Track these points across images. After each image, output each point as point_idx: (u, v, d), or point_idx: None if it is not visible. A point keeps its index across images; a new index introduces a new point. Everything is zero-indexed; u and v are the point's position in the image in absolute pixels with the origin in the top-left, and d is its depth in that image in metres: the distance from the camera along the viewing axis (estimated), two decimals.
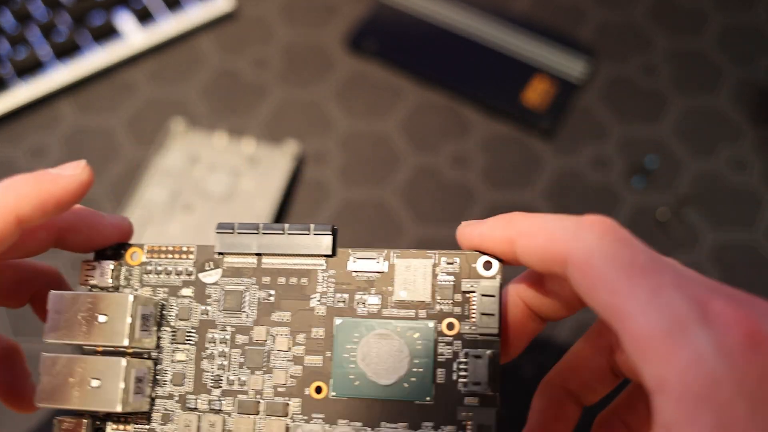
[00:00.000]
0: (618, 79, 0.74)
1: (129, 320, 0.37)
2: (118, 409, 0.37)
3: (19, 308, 0.42)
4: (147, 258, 0.41)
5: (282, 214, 0.65)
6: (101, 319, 0.37)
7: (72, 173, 0.37)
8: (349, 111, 0.73)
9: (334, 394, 0.39)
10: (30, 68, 0.73)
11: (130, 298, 0.38)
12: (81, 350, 0.40)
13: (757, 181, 0.68)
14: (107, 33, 0.75)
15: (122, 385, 0.37)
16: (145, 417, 0.40)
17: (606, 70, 0.75)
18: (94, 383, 0.37)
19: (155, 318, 0.40)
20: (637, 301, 0.27)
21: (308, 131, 0.72)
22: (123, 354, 0.39)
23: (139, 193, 0.67)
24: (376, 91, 0.74)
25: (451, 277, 0.38)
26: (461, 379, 0.38)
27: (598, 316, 0.31)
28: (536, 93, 0.72)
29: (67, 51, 0.74)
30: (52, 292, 0.39)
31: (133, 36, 0.75)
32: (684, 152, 0.70)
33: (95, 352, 0.40)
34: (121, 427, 0.40)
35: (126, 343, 0.37)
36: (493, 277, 0.38)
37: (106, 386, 0.37)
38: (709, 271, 0.64)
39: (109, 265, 0.40)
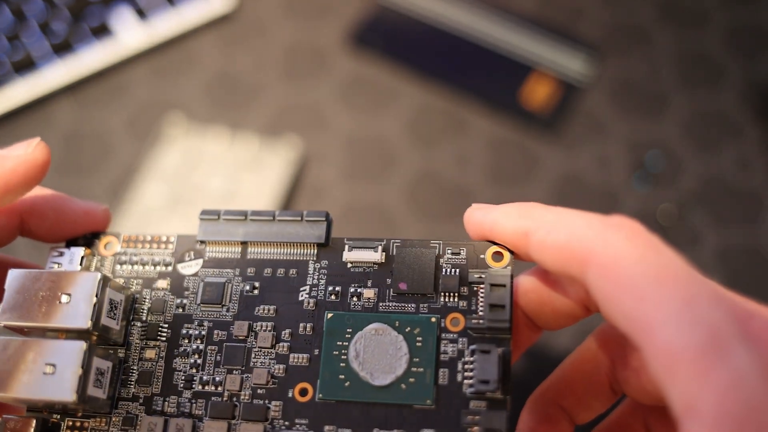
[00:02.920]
0: (621, 78, 0.72)
1: (94, 300, 0.33)
2: (71, 398, 0.32)
3: None
4: (122, 248, 0.38)
5: None
6: (64, 299, 0.33)
7: (21, 152, 0.33)
8: (350, 111, 0.72)
9: (320, 396, 0.34)
10: (27, 67, 0.71)
11: (98, 275, 0.34)
12: (44, 337, 0.35)
13: (761, 181, 0.67)
14: (106, 32, 0.74)
15: (79, 371, 0.32)
16: (104, 420, 0.35)
17: (609, 70, 0.73)
18: (48, 369, 0.32)
19: (125, 309, 0.36)
20: (668, 311, 0.25)
21: (309, 131, 0.70)
22: (85, 336, 0.34)
23: (136, 193, 0.66)
24: (377, 91, 0.73)
25: (457, 269, 0.35)
26: (467, 381, 0.33)
27: (616, 326, 0.27)
28: (538, 92, 0.71)
29: (64, 50, 0.72)
30: (12, 270, 0.34)
31: (132, 35, 0.74)
32: (687, 152, 0.68)
33: (56, 337, 0.35)
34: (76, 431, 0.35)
35: (88, 324, 0.33)
36: (504, 269, 0.34)
37: (61, 372, 0.32)
38: (712, 272, 0.62)
39: (79, 251, 0.36)
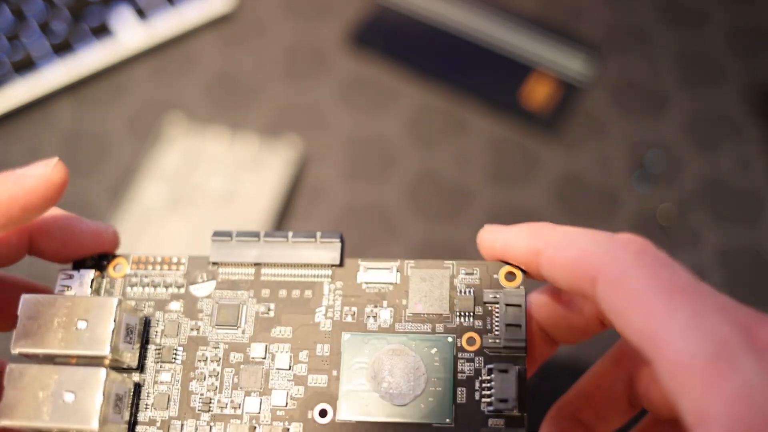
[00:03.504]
0: (621, 78, 0.72)
1: (112, 326, 0.33)
2: (94, 426, 0.32)
3: (9, 331, 0.36)
4: (132, 270, 0.37)
5: (282, 215, 0.65)
6: (80, 325, 0.33)
7: (41, 172, 0.33)
8: (350, 111, 0.72)
9: (341, 417, 0.34)
10: (27, 67, 0.71)
11: (116, 300, 0.33)
12: (53, 363, 0.34)
13: (762, 181, 0.67)
14: (106, 32, 0.73)
15: (100, 398, 0.32)
16: None
17: (609, 69, 0.73)
18: (68, 397, 0.32)
19: (139, 332, 0.36)
20: (677, 324, 0.25)
21: (309, 131, 0.70)
22: (103, 364, 0.34)
23: (136, 194, 0.66)
24: (377, 91, 0.72)
25: (471, 289, 0.35)
26: (484, 399, 0.34)
27: (628, 340, 0.28)
28: (538, 92, 0.70)
29: (64, 50, 0.72)
30: (25, 295, 0.34)
31: (132, 35, 0.73)
32: (688, 152, 0.68)
33: (69, 365, 0.34)
34: None
35: (107, 351, 0.33)
36: (517, 288, 0.35)
37: (82, 400, 0.32)
38: (712, 272, 0.62)
39: (89, 274, 0.36)
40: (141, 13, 0.74)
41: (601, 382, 0.36)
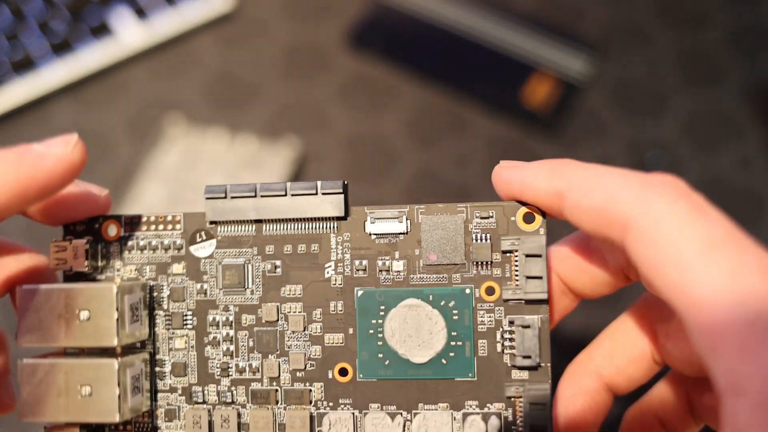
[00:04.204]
0: (621, 78, 0.72)
1: (116, 315, 0.32)
2: (116, 419, 0.31)
3: None
4: (126, 232, 0.35)
5: None
6: (83, 315, 0.32)
7: (61, 152, 0.30)
8: (349, 111, 0.71)
9: (361, 376, 0.33)
10: (26, 67, 0.70)
11: (114, 289, 0.32)
12: (62, 350, 0.34)
13: (762, 181, 0.66)
14: (105, 32, 0.72)
15: (117, 390, 0.31)
16: (147, 415, 0.34)
17: (610, 69, 0.72)
18: (85, 391, 0.32)
19: (144, 302, 0.34)
20: (714, 282, 0.23)
21: (308, 131, 0.69)
22: (113, 352, 0.33)
23: (136, 193, 0.65)
24: (376, 91, 0.72)
25: (488, 234, 0.33)
26: (507, 351, 0.33)
27: (659, 294, 0.26)
28: (539, 92, 0.70)
29: (64, 49, 0.71)
30: (20, 287, 0.32)
31: (132, 35, 0.73)
32: (688, 152, 0.67)
33: (79, 352, 0.34)
34: (120, 428, 0.34)
35: (115, 342, 0.32)
36: (536, 233, 0.33)
37: (99, 394, 0.31)
38: None
39: (83, 244, 0.34)
40: (141, 13, 0.73)
41: (623, 338, 0.34)
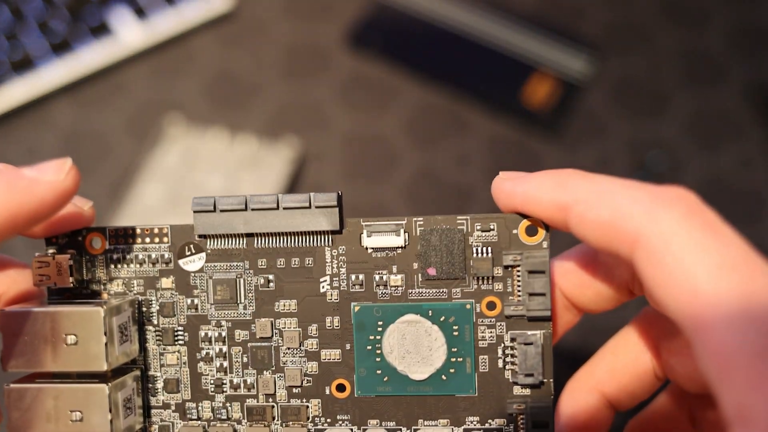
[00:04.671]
0: (622, 77, 0.71)
1: (104, 339, 0.30)
2: None
3: None
4: (111, 245, 0.34)
5: None
6: (70, 339, 0.30)
7: (53, 178, 0.29)
8: (349, 110, 0.70)
9: (359, 392, 0.33)
10: (26, 67, 0.69)
11: (102, 312, 0.30)
12: (50, 374, 0.32)
13: (763, 180, 0.65)
14: (105, 31, 0.72)
15: (109, 415, 0.31)
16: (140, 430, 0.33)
17: (610, 69, 0.71)
18: (75, 416, 0.31)
19: (133, 318, 0.33)
20: (725, 308, 0.22)
21: (308, 130, 0.69)
22: (103, 375, 0.32)
23: (136, 193, 0.64)
24: (376, 91, 0.71)
25: (489, 248, 0.32)
26: (508, 367, 0.32)
27: (666, 313, 0.25)
28: (539, 92, 0.69)
29: (63, 49, 0.71)
30: (3, 311, 0.31)
31: (131, 35, 0.72)
32: (689, 151, 0.66)
33: (67, 376, 0.32)
34: None
35: (105, 368, 0.30)
36: (539, 246, 0.31)
37: (90, 418, 0.31)
38: None
39: (67, 260, 0.32)
40: (140, 13, 0.72)
41: (625, 354, 0.33)
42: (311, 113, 0.70)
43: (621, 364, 0.33)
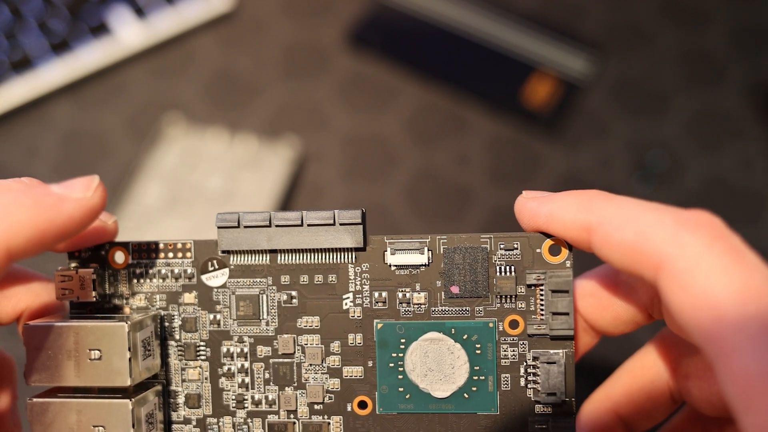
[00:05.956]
0: (622, 77, 0.71)
1: (128, 355, 0.30)
2: None
3: (5, 325, 0.34)
4: (134, 259, 0.34)
5: None
6: (93, 354, 0.30)
7: (81, 196, 0.29)
8: (349, 110, 0.70)
9: (381, 410, 0.33)
10: (25, 66, 0.69)
11: (126, 328, 0.30)
12: (72, 392, 0.32)
13: (763, 181, 0.65)
14: (104, 31, 0.71)
15: (131, 431, 0.31)
16: None
17: (611, 69, 0.71)
18: (98, 431, 0.31)
19: (156, 333, 0.33)
20: (749, 334, 0.22)
21: (308, 130, 0.69)
22: (126, 391, 0.32)
23: (136, 193, 0.64)
24: (376, 90, 0.71)
25: (512, 266, 0.32)
26: (531, 385, 0.32)
27: (689, 337, 0.25)
28: (539, 92, 0.69)
29: (63, 49, 0.70)
30: (27, 324, 0.31)
31: (131, 34, 0.72)
32: (689, 151, 0.66)
33: (88, 390, 0.32)
34: None
35: (129, 383, 0.30)
36: (563, 266, 0.31)
37: None
38: None
39: (90, 273, 0.32)
40: (140, 12, 0.72)
41: (641, 376, 0.33)
42: (311, 113, 0.70)
43: (637, 385, 0.33)
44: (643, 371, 0.33)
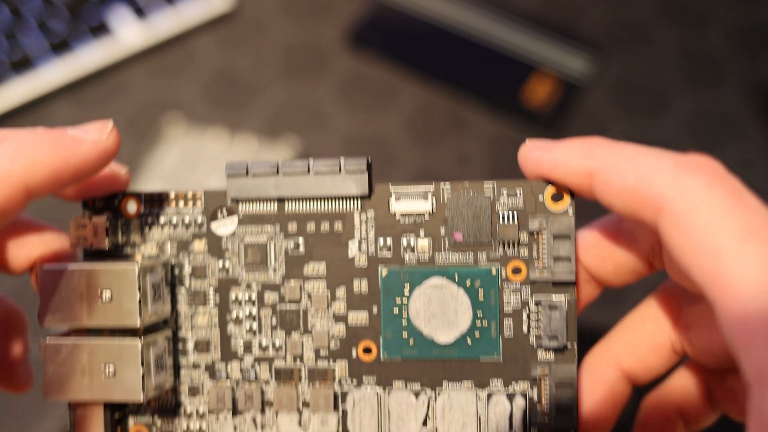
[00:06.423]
0: (622, 77, 0.72)
1: (138, 295, 0.31)
2: (141, 398, 0.31)
3: (19, 275, 0.35)
4: (146, 209, 0.35)
5: None
6: (105, 295, 0.32)
7: (96, 138, 0.30)
8: (349, 110, 0.71)
9: (386, 355, 0.33)
10: (25, 66, 0.70)
11: (136, 269, 0.31)
12: (85, 329, 0.33)
13: (764, 181, 0.65)
14: (104, 31, 0.72)
15: (141, 370, 0.32)
16: (170, 392, 0.35)
17: (610, 69, 0.72)
18: (109, 370, 0.32)
19: (166, 280, 0.34)
20: (750, 272, 0.23)
21: (308, 130, 0.69)
22: (136, 332, 0.33)
23: None
24: (376, 90, 0.72)
25: (515, 213, 0.32)
26: (533, 331, 0.32)
27: (690, 278, 0.25)
28: (539, 91, 0.70)
29: (63, 49, 0.71)
30: (41, 268, 0.32)
31: (131, 34, 0.72)
32: (689, 151, 0.68)
33: (101, 332, 0.33)
34: (144, 403, 0.35)
35: (138, 323, 0.31)
36: (565, 213, 0.32)
37: (123, 373, 0.32)
38: None
39: (103, 221, 0.33)
40: (140, 12, 0.73)
41: (643, 328, 0.34)
42: (311, 113, 0.70)
43: (639, 337, 0.34)
44: (645, 323, 0.34)
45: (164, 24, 0.73)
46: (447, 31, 0.74)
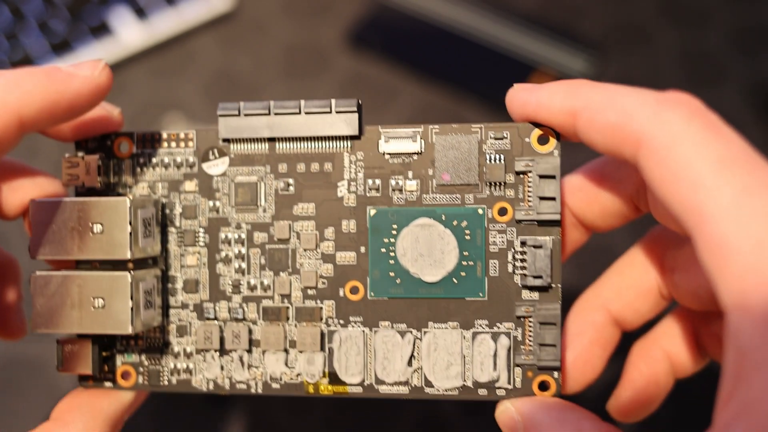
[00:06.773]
0: (622, 77, 0.71)
1: (129, 228, 0.32)
2: (129, 330, 0.32)
3: (11, 220, 0.36)
4: (138, 149, 0.36)
5: None
6: (96, 228, 0.32)
7: (89, 74, 0.31)
8: None
9: (372, 294, 0.34)
10: (25, 66, 0.72)
11: (127, 202, 0.32)
12: (74, 264, 0.34)
13: None
14: (105, 31, 0.73)
15: (130, 303, 0.32)
16: (158, 330, 0.35)
17: (610, 69, 0.72)
18: (98, 303, 0.32)
19: (157, 219, 0.35)
20: (725, 200, 0.23)
21: None
22: (125, 266, 0.33)
23: None
24: (376, 90, 0.72)
25: (502, 155, 0.33)
26: (518, 271, 0.33)
27: (670, 212, 0.26)
28: None
29: (63, 49, 0.71)
30: (33, 200, 0.33)
31: (131, 35, 0.73)
32: None
33: (91, 266, 0.34)
34: (132, 342, 0.35)
35: (129, 255, 0.32)
36: (551, 154, 0.33)
37: (112, 306, 0.32)
38: None
39: (95, 160, 0.34)
40: (140, 13, 0.74)
41: (631, 273, 0.35)
42: None
43: (627, 282, 0.35)
44: (632, 268, 0.35)
45: (164, 24, 0.73)
46: (447, 31, 0.74)
